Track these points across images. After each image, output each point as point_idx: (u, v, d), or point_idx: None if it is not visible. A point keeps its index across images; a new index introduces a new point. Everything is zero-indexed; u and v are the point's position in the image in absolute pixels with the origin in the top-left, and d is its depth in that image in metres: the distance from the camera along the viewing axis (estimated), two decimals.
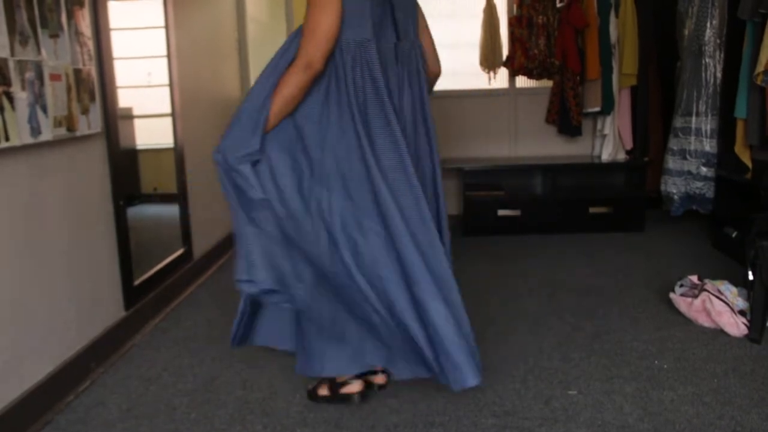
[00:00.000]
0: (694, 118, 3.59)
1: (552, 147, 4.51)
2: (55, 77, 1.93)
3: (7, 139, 1.69)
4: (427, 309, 1.66)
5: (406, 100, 1.81)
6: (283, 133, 1.71)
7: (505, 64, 4.36)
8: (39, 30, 1.85)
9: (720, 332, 2.33)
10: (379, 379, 1.95)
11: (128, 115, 2.59)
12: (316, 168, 1.71)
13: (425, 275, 1.67)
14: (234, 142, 1.69)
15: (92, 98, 2.18)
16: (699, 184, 3.60)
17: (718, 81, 3.48)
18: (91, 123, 2.17)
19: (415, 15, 1.88)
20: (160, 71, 2.93)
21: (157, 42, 2.91)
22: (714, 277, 2.56)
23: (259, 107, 1.68)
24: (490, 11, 4.30)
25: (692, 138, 3.61)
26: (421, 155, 1.86)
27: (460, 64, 4.43)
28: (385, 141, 1.71)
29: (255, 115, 1.68)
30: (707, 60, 3.49)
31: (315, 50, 1.64)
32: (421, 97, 1.87)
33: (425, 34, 1.94)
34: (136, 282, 2.52)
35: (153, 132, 3.01)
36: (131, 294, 2.46)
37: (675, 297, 2.54)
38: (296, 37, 1.74)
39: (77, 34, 2.08)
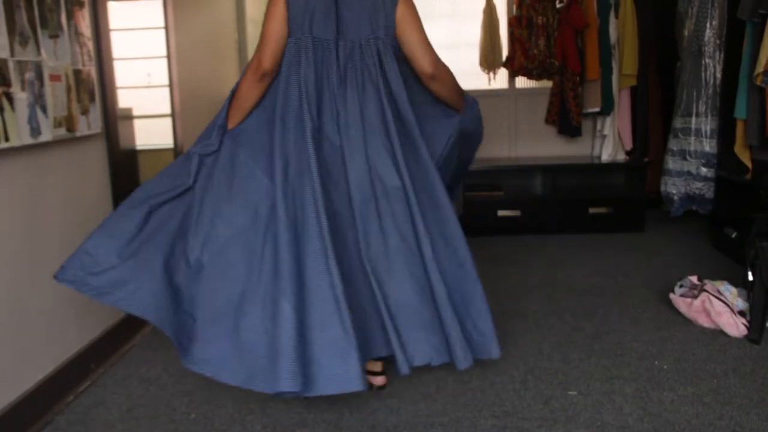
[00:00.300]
0: (693, 119, 3.59)
1: (552, 147, 4.51)
2: (54, 78, 1.93)
3: (6, 139, 1.69)
4: (276, 309, 1.65)
5: (350, 103, 1.78)
6: (243, 126, 1.83)
7: (505, 65, 4.36)
8: (39, 30, 1.85)
9: (720, 333, 2.33)
10: (378, 380, 1.95)
11: (128, 116, 2.59)
12: (265, 153, 1.80)
13: (288, 276, 1.66)
14: (201, 136, 1.85)
15: (92, 99, 2.18)
16: (699, 184, 3.60)
17: (718, 81, 3.48)
18: (90, 123, 2.17)
19: (383, 11, 1.80)
20: (159, 72, 2.93)
21: (157, 43, 2.91)
22: (714, 278, 2.56)
23: (218, 111, 1.85)
24: (489, 11, 4.30)
25: (692, 138, 3.61)
26: (374, 166, 1.79)
27: (459, 64, 4.42)
28: (298, 140, 1.75)
29: (219, 113, 1.84)
30: (707, 60, 3.49)
31: (262, 51, 1.78)
32: (380, 103, 1.80)
33: (406, 31, 1.83)
34: None
35: (153, 132, 3.01)
36: None
37: (675, 297, 2.54)
38: None
39: (77, 34, 2.08)
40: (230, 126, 1.82)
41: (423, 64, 1.85)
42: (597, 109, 4.08)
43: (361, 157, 1.78)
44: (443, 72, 1.91)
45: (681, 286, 2.58)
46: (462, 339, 1.78)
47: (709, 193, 3.56)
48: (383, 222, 1.79)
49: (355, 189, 1.77)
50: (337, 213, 1.76)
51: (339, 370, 1.63)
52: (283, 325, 1.62)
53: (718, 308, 2.33)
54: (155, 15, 2.89)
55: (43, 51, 1.86)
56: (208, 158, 1.80)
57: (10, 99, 1.70)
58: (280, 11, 1.76)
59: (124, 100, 2.46)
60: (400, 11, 1.82)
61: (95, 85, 2.21)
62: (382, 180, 1.79)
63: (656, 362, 2.12)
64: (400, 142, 1.81)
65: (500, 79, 4.49)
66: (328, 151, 1.78)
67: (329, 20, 1.78)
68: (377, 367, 1.97)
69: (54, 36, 1.94)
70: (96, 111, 2.21)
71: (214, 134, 1.80)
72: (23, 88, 1.76)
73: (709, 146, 3.53)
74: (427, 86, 1.92)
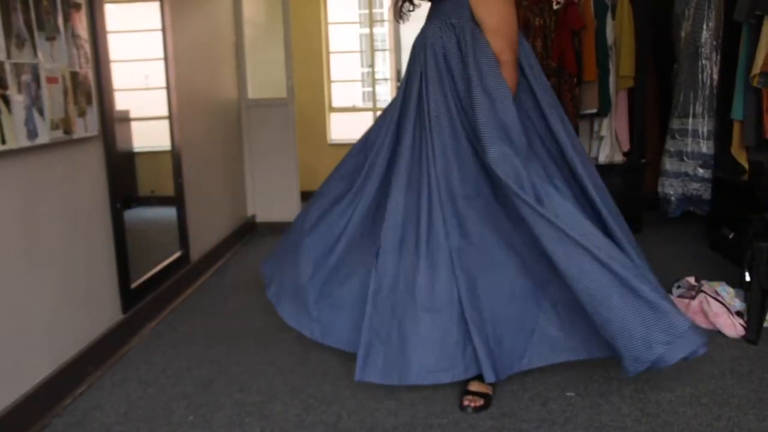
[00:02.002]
0: (690, 120, 3.60)
1: None
2: (51, 80, 1.93)
3: (3, 142, 1.68)
4: None
5: None
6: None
7: None
8: (36, 32, 1.84)
9: (717, 333, 2.34)
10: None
11: (125, 118, 2.59)
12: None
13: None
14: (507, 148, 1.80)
15: (89, 101, 2.18)
16: (696, 185, 3.61)
17: (715, 83, 3.49)
18: (88, 126, 2.16)
19: None
20: (157, 74, 2.93)
21: (155, 45, 2.91)
22: (711, 279, 2.56)
23: (506, 109, 1.80)
24: None
25: (689, 139, 3.62)
26: None
27: None
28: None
29: (514, 114, 1.80)
30: (704, 62, 3.50)
31: (516, 47, 1.85)
32: None
33: None
34: (134, 285, 2.51)
35: (150, 134, 3.01)
36: (128, 297, 2.45)
37: (672, 298, 2.55)
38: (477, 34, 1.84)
39: (74, 36, 2.08)
40: None
41: None
42: (594, 111, 4.08)
43: None
44: None
45: (678, 287, 2.58)
46: None
47: (706, 194, 3.57)
48: None
49: None
50: None
51: None
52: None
53: (716, 309, 2.34)
54: (153, 17, 2.89)
55: (39, 53, 1.86)
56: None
57: (7, 101, 1.70)
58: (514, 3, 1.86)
59: (121, 102, 2.46)
60: None
61: (92, 87, 2.21)
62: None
63: None
64: None
65: None
66: None
67: None
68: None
69: (51, 38, 1.93)
70: (93, 113, 2.21)
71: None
72: (20, 91, 1.76)
73: (706, 147, 3.54)
74: None
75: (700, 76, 3.53)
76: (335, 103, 6.05)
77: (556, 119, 1.88)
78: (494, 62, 1.81)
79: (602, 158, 4.18)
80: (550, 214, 1.70)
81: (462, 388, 1.91)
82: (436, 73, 1.89)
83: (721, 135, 3.41)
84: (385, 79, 6.66)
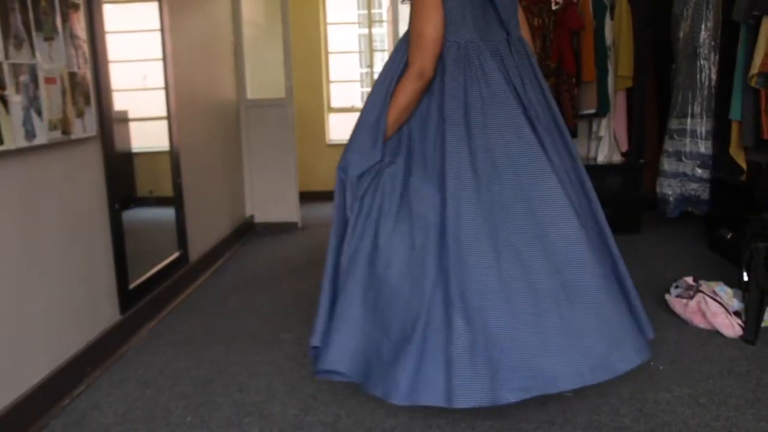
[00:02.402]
0: (689, 120, 3.60)
1: None
2: (50, 80, 1.92)
3: (1, 142, 1.68)
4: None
5: (530, 92, 1.81)
6: (395, 137, 1.78)
7: None
8: (34, 33, 1.84)
9: (715, 333, 2.34)
10: None
11: (124, 118, 2.59)
12: (417, 160, 1.74)
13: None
14: (357, 157, 1.74)
15: (87, 101, 2.18)
16: (694, 185, 3.61)
17: (713, 83, 3.49)
18: (86, 126, 2.16)
19: (517, 12, 1.88)
20: (156, 74, 2.93)
21: (154, 45, 2.91)
22: (709, 279, 2.57)
23: (375, 119, 1.73)
24: None
25: (687, 140, 3.63)
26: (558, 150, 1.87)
27: None
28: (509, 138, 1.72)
29: (374, 126, 1.73)
30: (702, 62, 3.51)
31: (425, 57, 1.69)
32: (543, 90, 1.86)
33: (524, 29, 1.93)
34: (132, 286, 2.51)
35: (149, 135, 3.01)
36: (127, 298, 2.45)
37: (670, 298, 2.55)
38: (403, 44, 1.78)
39: (72, 37, 2.08)
40: (384, 140, 1.77)
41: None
42: (593, 111, 4.09)
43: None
44: None
45: (676, 287, 2.58)
46: None
47: (705, 194, 3.57)
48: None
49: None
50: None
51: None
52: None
53: (714, 309, 2.34)
54: (151, 17, 2.89)
55: (38, 53, 1.86)
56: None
57: (5, 102, 1.70)
58: (439, 12, 1.68)
59: (119, 102, 2.46)
60: (520, 11, 1.89)
61: (91, 88, 2.21)
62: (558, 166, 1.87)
63: (652, 363, 2.12)
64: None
65: None
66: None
67: (493, 22, 1.79)
68: None
69: (49, 38, 1.93)
70: (91, 114, 2.21)
71: (376, 153, 1.73)
72: (18, 91, 1.76)
73: (704, 147, 3.55)
74: None
75: (698, 76, 3.54)
76: (334, 104, 6.06)
77: (454, 133, 1.69)
78: (398, 70, 1.77)
79: (601, 158, 4.19)
80: (359, 226, 1.72)
81: None
82: None
83: (720, 135, 3.41)
84: None
